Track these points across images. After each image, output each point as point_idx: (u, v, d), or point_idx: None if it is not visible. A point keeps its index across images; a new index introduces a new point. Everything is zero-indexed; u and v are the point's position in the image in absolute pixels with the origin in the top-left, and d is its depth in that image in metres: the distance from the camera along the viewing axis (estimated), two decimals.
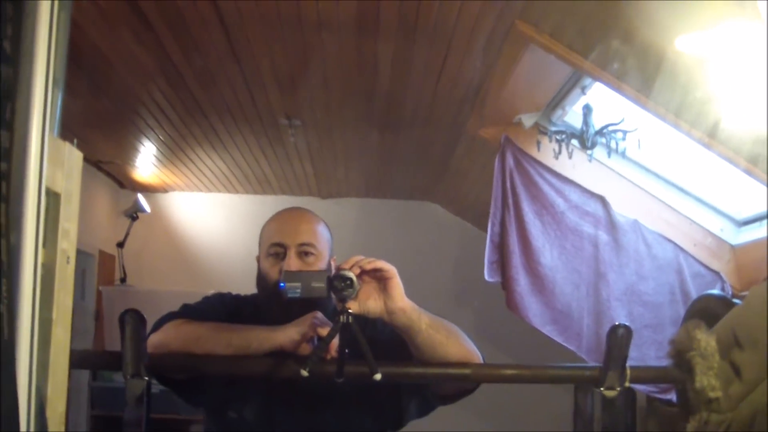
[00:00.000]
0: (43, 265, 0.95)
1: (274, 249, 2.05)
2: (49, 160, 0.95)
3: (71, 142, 1.06)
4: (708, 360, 1.43)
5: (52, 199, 1.00)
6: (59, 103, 1.02)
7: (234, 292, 2.28)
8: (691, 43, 2.47)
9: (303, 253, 2.04)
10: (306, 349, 1.83)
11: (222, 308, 2.13)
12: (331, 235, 2.16)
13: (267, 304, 2.05)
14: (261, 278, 2.09)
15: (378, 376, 1.67)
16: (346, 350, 1.72)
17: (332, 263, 2.11)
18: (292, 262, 2.01)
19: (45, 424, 0.96)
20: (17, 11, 0.91)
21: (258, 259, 2.14)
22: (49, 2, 0.95)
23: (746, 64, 2.50)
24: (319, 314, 1.87)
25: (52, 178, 0.99)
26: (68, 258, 1.03)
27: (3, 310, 0.85)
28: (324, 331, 1.79)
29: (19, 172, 0.90)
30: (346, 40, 3.70)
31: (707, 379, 1.42)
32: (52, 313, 0.99)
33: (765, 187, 3.47)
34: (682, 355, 1.49)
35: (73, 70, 1.06)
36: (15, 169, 0.90)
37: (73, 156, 1.06)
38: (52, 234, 1.00)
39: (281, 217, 2.16)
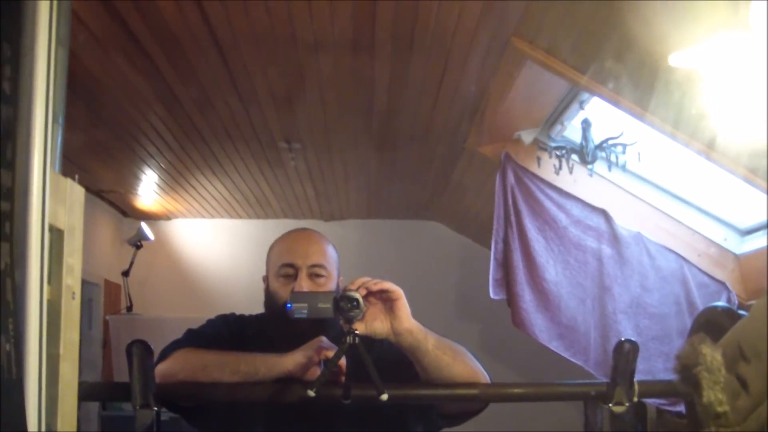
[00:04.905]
0: (49, 301, 0.95)
1: (284, 270, 2.07)
2: (51, 197, 0.95)
3: (72, 175, 1.06)
4: (714, 374, 1.42)
5: (56, 235, 1.00)
6: (59, 139, 1.02)
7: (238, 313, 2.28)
8: (684, 59, 2.48)
9: (314, 275, 2.06)
10: (314, 373, 1.83)
11: (226, 330, 2.13)
12: (338, 255, 2.17)
13: (274, 323, 2.05)
14: (270, 298, 2.10)
15: (385, 397, 1.67)
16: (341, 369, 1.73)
17: (339, 283, 2.12)
18: (304, 283, 2.03)
19: None
20: (15, 51, 0.91)
21: (265, 279, 2.15)
22: (47, 40, 0.95)
23: (739, 76, 2.51)
24: (325, 339, 1.88)
25: (55, 215, 0.99)
26: (73, 294, 1.03)
27: (10, 349, 0.85)
28: (331, 353, 1.80)
29: (22, 211, 0.90)
30: (342, 60, 3.70)
31: (714, 394, 1.41)
32: (59, 349, 0.99)
33: (766, 196, 3.46)
34: (688, 370, 1.49)
35: (69, 98, 1.05)
36: (18, 207, 0.90)
37: (75, 191, 1.06)
38: (57, 270, 1.00)
39: (291, 237, 2.17)
